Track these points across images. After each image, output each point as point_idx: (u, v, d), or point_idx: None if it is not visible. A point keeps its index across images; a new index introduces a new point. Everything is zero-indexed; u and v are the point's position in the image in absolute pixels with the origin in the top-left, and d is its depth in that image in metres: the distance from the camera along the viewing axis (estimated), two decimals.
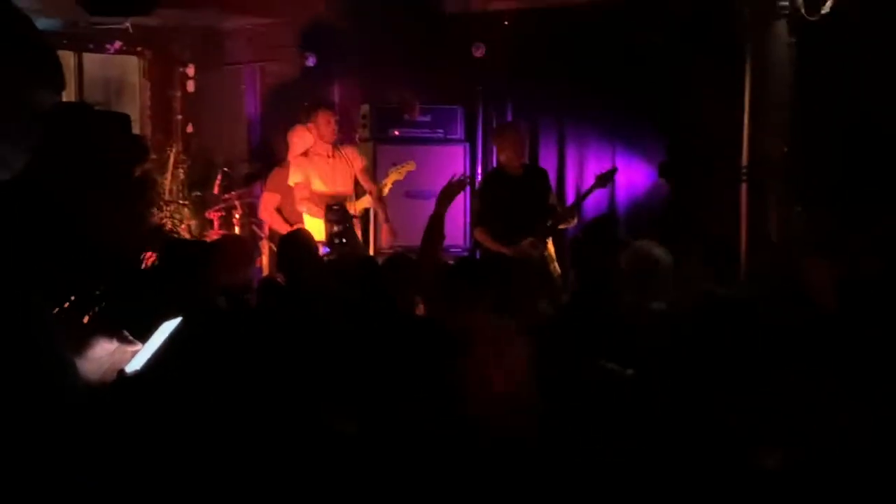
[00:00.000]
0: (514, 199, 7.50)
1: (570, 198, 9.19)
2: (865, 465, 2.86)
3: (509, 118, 9.59)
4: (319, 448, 2.98)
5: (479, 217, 7.92)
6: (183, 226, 9.49)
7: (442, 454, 2.97)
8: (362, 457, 3.00)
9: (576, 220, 7.79)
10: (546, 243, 7.53)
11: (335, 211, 5.35)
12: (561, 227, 7.65)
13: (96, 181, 4.10)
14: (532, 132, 9.31)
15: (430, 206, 8.69)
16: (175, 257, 4.04)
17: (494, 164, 9.47)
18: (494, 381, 3.20)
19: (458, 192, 5.53)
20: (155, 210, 9.15)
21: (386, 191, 8.15)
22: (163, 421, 2.71)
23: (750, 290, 4.39)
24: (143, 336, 2.29)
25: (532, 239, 7.34)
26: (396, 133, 9.29)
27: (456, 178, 5.47)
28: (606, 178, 7.69)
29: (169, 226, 8.94)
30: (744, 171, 7.62)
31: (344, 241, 5.15)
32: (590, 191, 7.71)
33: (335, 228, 5.24)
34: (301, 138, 8.20)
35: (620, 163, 8.96)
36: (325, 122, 7.90)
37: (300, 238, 5.60)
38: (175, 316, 2.42)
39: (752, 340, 3.31)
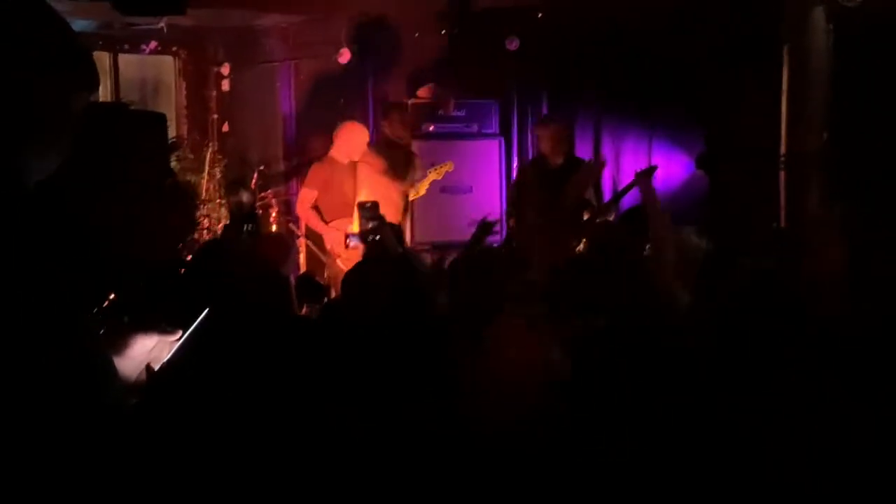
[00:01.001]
0: (551, 191, 7.47)
1: (606, 189, 9.14)
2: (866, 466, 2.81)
3: (545, 111, 9.56)
4: (330, 447, 2.97)
5: (515, 207, 7.89)
6: (220, 225, 9.52)
7: (448, 454, 2.96)
8: (373, 457, 2.99)
9: (614, 216, 7.74)
10: (582, 237, 7.49)
11: (368, 208, 5.33)
12: (598, 221, 7.60)
13: (130, 182, 4.12)
14: (567, 125, 9.27)
15: (465, 202, 8.78)
16: (213, 256, 4.06)
17: (531, 156, 9.48)
18: (503, 375, 3.17)
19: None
20: (193, 216, 9.19)
21: (423, 190, 8.18)
22: (181, 415, 2.71)
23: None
24: (184, 329, 2.28)
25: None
26: (431, 128, 9.28)
27: None
28: (646, 175, 7.61)
29: (206, 225, 8.97)
30: (782, 160, 7.54)
31: (378, 237, 5.13)
32: (628, 188, 7.64)
33: (369, 225, 5.22)
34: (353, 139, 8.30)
35: (657, 154, 8.91)
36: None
37: None
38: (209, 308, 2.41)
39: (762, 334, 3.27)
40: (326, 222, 8.26)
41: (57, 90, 1.72)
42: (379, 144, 8.36)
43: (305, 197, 8.42)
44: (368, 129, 9.61)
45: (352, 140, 8.35)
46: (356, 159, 8.33)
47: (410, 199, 8.38)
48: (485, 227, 5.78)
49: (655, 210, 4.93)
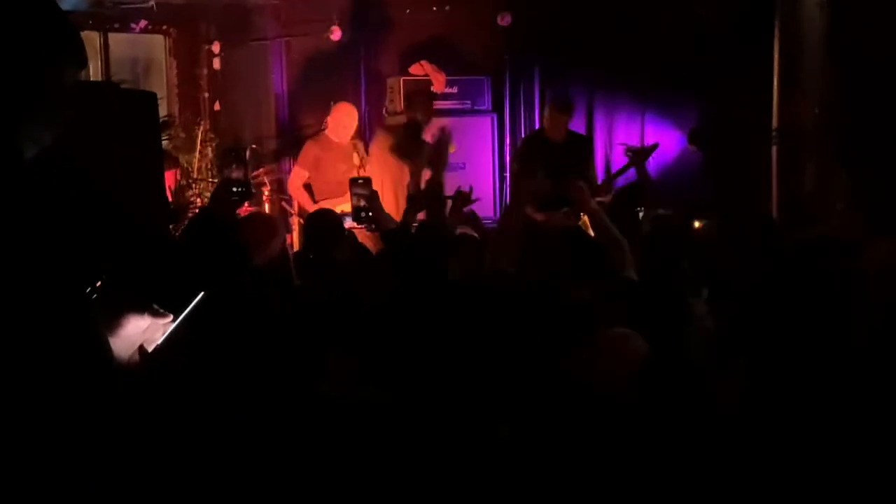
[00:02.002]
0: (552, 167, 7.46)
1: (599, 164, 9.13)
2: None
3: (537, 87, 9.55)
4: (350, 419, 2.96)
5: (517, 181, 7.87)
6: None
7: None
8: (398, 428, 2.98)
9: (612, 195, 7.72)
10: (580, 215, 7.48)
11: (360, 184, 5.29)
12: (596, 199, 7.57)
13: (123, 158, 4.11)
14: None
15: (459, 179, 8.75)
16: (203, 232, 4.05)
17: (523, 132, 9.47)
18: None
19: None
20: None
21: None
22: (181, 396, 2.71)
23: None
24: (178, 308, 2.28)
25: (567, 209, 7.29)
26: None
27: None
28: (646, 154, 7.61)
29: (199, 203, 8.95)
30: (774, 135, 7.53)
31: (370, 213, 5.09)
32: (628, 166, 7.64)
33: (361, 203, 5.18)
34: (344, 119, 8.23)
35: (650, 130, 8.91)
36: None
37: (328, 217, 5.63)
38: (205, 290, 2.40)
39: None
40: (316, 202, 8.25)
41: (46, 66, 1.73)
42: (392, 127, 8.11)
43: (296, 175, 8.42)
44: (361, 106, 9.57)
45: (342, 121, 8.33)
46: (348, 140, 8.30)
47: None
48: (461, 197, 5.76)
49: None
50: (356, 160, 8.22)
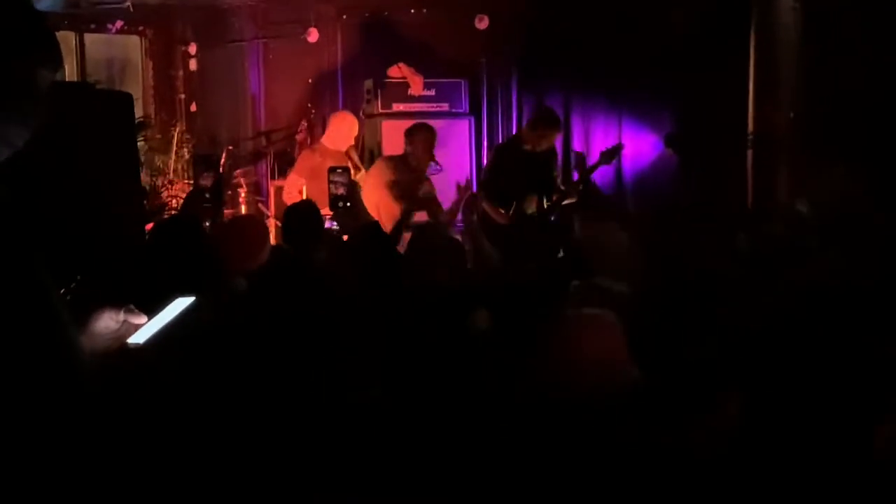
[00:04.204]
0: (522, 173, 7.46)
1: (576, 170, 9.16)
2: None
3: (514, 90, 9.57)
4: (343, 421, 2.96)
5: (485, 186, 7.85)
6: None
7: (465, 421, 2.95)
8: (388, 426, 2.98)
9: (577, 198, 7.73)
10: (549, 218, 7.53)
11: (339, 173, 5.22)
12: (565, 202, 7.59)
13: (98, 159, 4.10)
14: (537, 105, 9.28)
15: (435, 181, 8.76)
16: (171, 238, 4.02)
17: (501, 136, 9.49)
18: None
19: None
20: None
21: None
22: (168, 399, 2.70)
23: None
24: (150, 311, 2.27)
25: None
26: (401, 108, 9.25)
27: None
28: (612, 155, 7.63)
29: (174, 204, 8.92)
30: (749, 139, 7.57)
31: (348, 204, 5.06)
32: (595, 167, 7.67)
33: (339, 191, 5.13)
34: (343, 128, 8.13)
35: (627, 134, 8.92)
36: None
37: (307, 209, 5.47)
38: (186, 293, 2.39)
39: None
40: None
41: (20, 67, 1.71)
42: (395, 161, 7.90)
43: (293, 183, 8.33)
44: (337, 109, 9.55)
45: (342, 128, 8.26)
46: (345, 149, 8.24)
47: None
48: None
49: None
50: (350, 167, 8.15)
